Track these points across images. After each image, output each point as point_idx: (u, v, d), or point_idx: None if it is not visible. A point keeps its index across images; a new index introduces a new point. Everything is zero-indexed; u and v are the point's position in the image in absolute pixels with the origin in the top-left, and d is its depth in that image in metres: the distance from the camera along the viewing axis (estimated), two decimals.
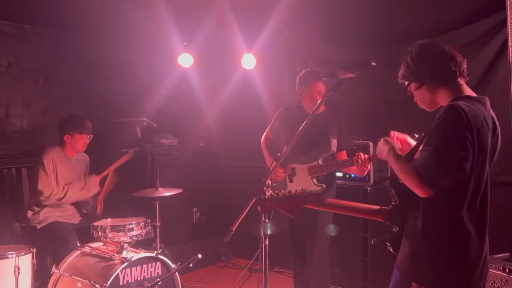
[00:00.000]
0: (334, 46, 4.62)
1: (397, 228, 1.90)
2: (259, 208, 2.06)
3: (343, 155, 3.40)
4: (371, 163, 3.11)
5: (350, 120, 3.56)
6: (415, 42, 1.94)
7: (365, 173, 3.15)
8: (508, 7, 1.22)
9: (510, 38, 1.22)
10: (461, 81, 1.85)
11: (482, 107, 1.75)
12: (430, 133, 1.73)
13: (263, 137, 3.73)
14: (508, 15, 1.21)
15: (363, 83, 4.08)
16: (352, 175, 3.93)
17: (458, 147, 1.64)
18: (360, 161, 3.05)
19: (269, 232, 2.13)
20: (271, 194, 2.05)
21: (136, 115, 5.11)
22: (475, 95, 1.83)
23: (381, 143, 1.96)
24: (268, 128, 3.72)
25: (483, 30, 3.60)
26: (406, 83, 1.94)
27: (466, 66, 1.87)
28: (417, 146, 1.88)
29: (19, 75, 4.83)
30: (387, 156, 1.88)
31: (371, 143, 3.78)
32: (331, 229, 3.47)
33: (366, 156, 3.06)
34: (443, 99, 1.86)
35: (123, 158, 4.17)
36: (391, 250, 1.94)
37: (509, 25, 1.22)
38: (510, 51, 1.22)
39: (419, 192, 1.68)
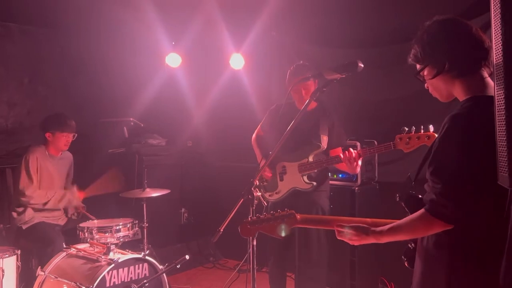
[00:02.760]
0: (323, 47, 4.64)
1: (413, 245, 1.74)
2: (240, 231, 1.90)
3: (338, 152, 3.26)
4: (361, 159, 3.03)
5: (342, 118, 3.53)
6: (434, 17, 1.63)
7: (357, 170, 3.08)
8: (492, 10, 1.23)
9: (493, 39, 1.23)
10: (485, 73, 1.55)
11: None
12: (434, 154, 1.51)
13: (254, 135, 3.67)
14: (492, 17, 1.23)
15: (352, 83, 4.11)
16: (340, 175, 3.95)
17: (469, 171, 1.41)
18: (348, 157, 2.99)
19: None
20: (251, 217, 1.91)
21: (124, 115, 5.08)
22: None
23: (351, 234, 1.71)
24: (259, 125, 3.66)
25: None
26: (418, 66, 1.64)
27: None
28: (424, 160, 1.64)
29: (3, 74, 4.76)
30: (371, 239, 1.67)
31: (358, 143, 3.79)
32: None
33: (355, 152, 3.00)
34: (459, 93, 1.57)
35: (109, 178, 4.07)
36: (406, 264, 1.79)
37: (492, 27, 1.23)
38: (494, 52, 1.23)
39: (443, 228, 1.49)
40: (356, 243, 1.75)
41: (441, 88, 1.62)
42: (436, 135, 2.46)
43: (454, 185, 1.44)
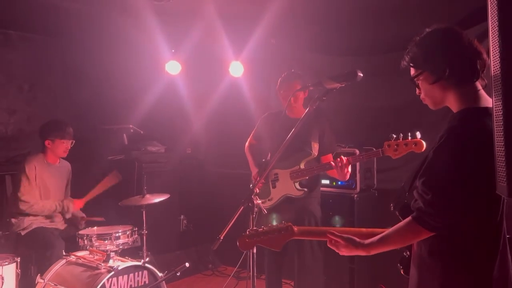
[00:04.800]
0: (322, 54, 4.67)
1: (408, 253, 1.77)
2: (238, 245, 1.92)
3: (329, 158, 3.34)
4: (350, 166, 3.10)
5: (335, 124, 3.56)
6: (433, 26, 1.64)
7: (347, 177, 3.15)
8: (490, 21, 1.25)
9: (491, 51, 1.25)
10: (479, 85, 1.58)
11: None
12: (427, 165, 1.54)
13: (247, 143, 3.74)
14: (490, 29, 1.25)
15: (350, 91, 4.12)
16: (340, 182, 3.96)
17: (460, 185, 1.45)
18: (339, 164, 3.05)
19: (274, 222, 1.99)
20: (250, 230, 1.93)
21: (123, 122, 5.09)
22: (491, 104, 1.50)
23: (343, 247, 1.76)
24: (251, 134, 3.72)
25: None
26: (414, 71, 1.65)
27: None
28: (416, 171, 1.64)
29: (3, 81, 4.77)
30: (360, 252, 1.71)
31: (357, 151, 3.81)
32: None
33: (345, 159, 3.06)
34: (453, 103, 1.60)
35: (109, 181, 4.05)
36: (402, 272, 1.81)
37: (490, 38, 1.25)
38: (492, 63, 1.25)
39: (430, 235, 1.54)
40: (343, 253, 1.78)
41: (436, 95, 1.62)
42: (423, 142, 2.53)
43: (443, 198, 1.48)
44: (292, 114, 3.38)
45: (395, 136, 2.69)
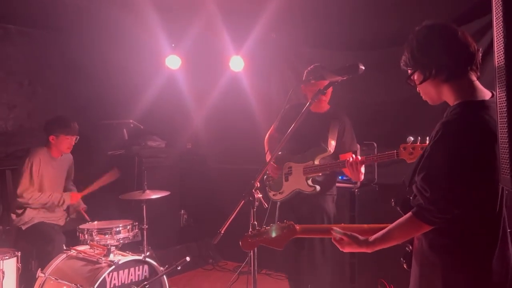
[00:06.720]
0: (322, 49, 4.65)
1: (411, 247, 1.78)
2: (241, 246, 1.94)
3: (347, 157, 3.16)
4: (363, 166, 2.99)
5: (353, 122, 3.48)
6: (423, 22, 1.66)
7: (361, 178, 3.03)
8: (494, 12, 1.24)
9: (495, 42, 1.24)
10: (473, 77, 1.58)
11: (494, 113, 1.39)
12: (425, 160, 1.54)
13: (267, 134, 3.61)
14: (494, 20, 1.24)
15: (351, 85, 4.11)
16: (340, 177, 3.94)
17: (458, 180, 1.47)
18: (351, 163, 2.95)
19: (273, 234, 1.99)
20: (252, 231, 1.94)
21: (123, 117, 5.08)
22: (488, 96, 1.56)
23: (346, 245, 1.78)
24: (273, 125, 3.59)
25: (470, 33, 3.66)
26: (409, 71, 1.69)
27: (480, 57, 1.59)
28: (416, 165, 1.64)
29: (3, 77, 4.76)
30: (363, 249, 1.73)
31: (358, 146, 3.79)
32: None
33: (357, 158, 2.97)
34: (448, 98, 1.61)
35: (108, 178, 4.07)
36: (405, 266, 1.81)
37: (494, 30, 1.24)
38: (496, 55, 1.24)
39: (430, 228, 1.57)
40: (345, 250, 1.80)
41: (431, 93, 1.65)
42: None
43: (442, 194, 1.49)
44: (315, 109, 3.26)
45: (412, 139, 2.59)
